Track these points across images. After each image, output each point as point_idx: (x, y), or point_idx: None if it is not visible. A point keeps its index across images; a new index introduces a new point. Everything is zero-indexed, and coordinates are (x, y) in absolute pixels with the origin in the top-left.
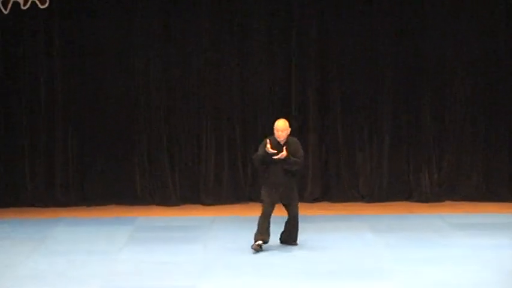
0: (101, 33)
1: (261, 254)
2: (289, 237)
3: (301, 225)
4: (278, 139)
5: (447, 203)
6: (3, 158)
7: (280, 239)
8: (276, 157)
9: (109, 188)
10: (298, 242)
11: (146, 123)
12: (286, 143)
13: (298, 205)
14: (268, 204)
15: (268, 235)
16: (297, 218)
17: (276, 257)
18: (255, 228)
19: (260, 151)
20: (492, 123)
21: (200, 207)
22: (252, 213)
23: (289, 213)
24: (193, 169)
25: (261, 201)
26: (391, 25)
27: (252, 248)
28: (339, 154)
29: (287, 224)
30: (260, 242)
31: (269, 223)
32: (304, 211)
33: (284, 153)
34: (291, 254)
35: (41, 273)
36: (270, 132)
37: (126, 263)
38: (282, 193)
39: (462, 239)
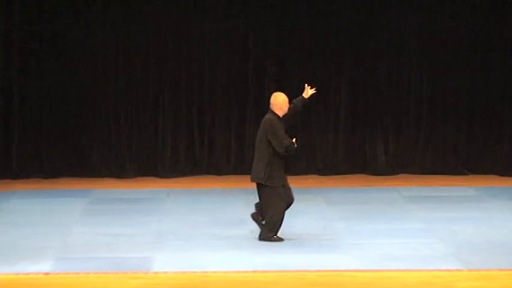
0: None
1: (216, 227)
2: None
3: (256, 198)
4: (283, 113)
5: (402, 176)
6: None
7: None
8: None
9: (65, 160)
10: None
11: (103, 94)
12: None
13: None
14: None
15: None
16: None
17: (231, 230)
18: (210, 200)
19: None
20: (446, 98)
21: (157, 179)
22: (208, 185)
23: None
24: (150, 141)
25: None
26: (350, 3)
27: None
28: (295, 127)
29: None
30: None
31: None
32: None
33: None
34: (247, 227)
35: None
36: (223, 102)
37: (81, 235)
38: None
39: (416, 211)
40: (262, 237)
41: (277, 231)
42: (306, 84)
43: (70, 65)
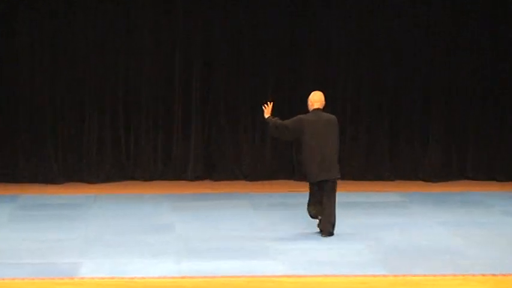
0: None
1: (143, 232)
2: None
3: (183, 204)
4: None
5: None
6: None
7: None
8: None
9: None
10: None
11: (28, 99)
12: None
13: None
14: None
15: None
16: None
17: (157, 236)
18: (137, 206)
19: None
20: (374, 103)
21: (83, 185)
22: (134, 191)
23: None
24: (76, 146)
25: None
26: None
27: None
28: (222, 132)
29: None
30: None
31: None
32: (187, 189)
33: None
34: (174, 232)
35: None
36: (149, 108)
37: (6, 240)
38: None
39: (345, 217)
40: (328, 233)
41: None
42: (264, 106)
43: None
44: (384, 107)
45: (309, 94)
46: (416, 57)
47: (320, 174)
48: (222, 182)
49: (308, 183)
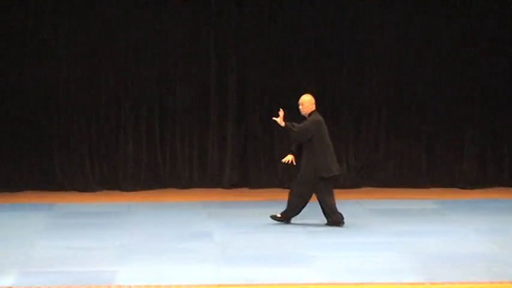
0: None
1: (179, 240)
2: None
3: (220, 211)
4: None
5: (364, 189)
6: None
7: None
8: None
9: (27, 174)
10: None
11: (64, 107)
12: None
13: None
14: None
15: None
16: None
17: (196, 243)
18: (173, 213)
19: None
20: (408, 111)
21: (119, 193)
22: (170, 199)
23: None
24: (111, 154)
25: None
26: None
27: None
28: (257, 140)
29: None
30: None
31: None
32: (223, 197)
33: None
34: (211, 240)
35: None
36: (185, 116)
37: (44, 249)
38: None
39: (380, 225)
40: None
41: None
42: (279, 112)
43: (31, 76)
44: (419, 114)
45: (345, 101)
46: (452, 62)
47: (334, 169)
48: (258, 190)
49: (327, 187)
